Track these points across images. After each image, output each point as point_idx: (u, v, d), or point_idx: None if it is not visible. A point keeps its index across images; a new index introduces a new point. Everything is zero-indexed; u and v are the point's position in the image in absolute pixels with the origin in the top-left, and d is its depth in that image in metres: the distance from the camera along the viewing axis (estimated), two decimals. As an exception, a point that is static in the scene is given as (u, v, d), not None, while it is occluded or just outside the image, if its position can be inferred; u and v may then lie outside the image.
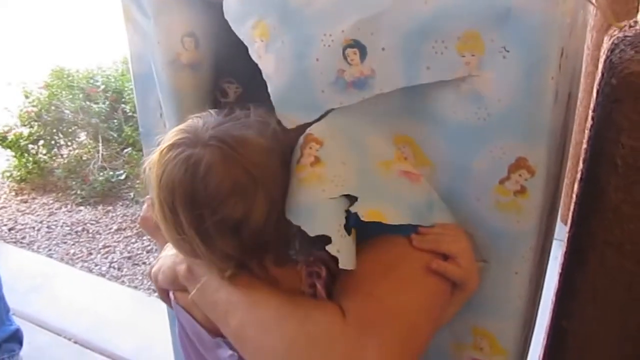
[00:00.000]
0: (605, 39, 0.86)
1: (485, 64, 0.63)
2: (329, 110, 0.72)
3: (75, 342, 1.97)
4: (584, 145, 0.88)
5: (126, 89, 3.17)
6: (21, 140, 3.15)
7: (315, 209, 0.68)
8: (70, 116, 3.14)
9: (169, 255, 0.80)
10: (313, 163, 0.69)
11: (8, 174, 3.21)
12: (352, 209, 0.69)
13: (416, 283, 0.69)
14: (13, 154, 3.19)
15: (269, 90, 0.75)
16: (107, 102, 3.16)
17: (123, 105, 3.17)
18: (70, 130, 3.23)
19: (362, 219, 0.69)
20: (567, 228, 0.95)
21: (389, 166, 0.73)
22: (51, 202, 3.01)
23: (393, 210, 0.70)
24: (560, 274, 0.96)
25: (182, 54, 0.84)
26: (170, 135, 0.69)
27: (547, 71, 0.62)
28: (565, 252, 0.94)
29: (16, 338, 1.82)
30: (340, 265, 0.67)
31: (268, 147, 0.69)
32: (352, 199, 0.70)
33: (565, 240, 0.95)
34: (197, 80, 0.86)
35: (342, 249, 0.67)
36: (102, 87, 3.23)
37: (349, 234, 0.69)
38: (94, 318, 2.05)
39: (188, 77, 0.85)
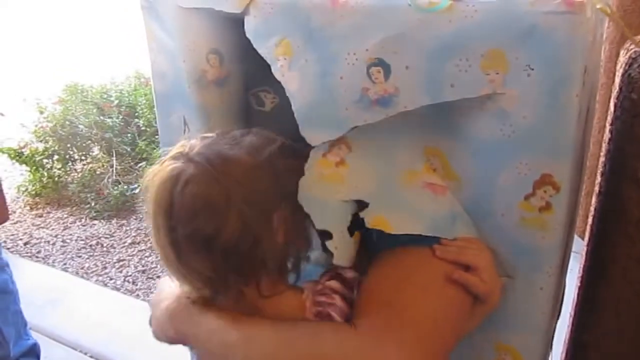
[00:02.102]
0: (622, 52, 0.87)
1: (510, 82, 0.63)
2: (352, 127, 0.73)
3: (91, 357, 1.98)
4: (602, 159, 0.88)
5: (139, 103, 3.21)
6: (36, 156, 3.18)
7: (327, 205, 0.73)
8: (84, 131, 3.17)
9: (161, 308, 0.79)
10: (338, 163, 0.74)
11: (23, 188, 3.23)
12: (361, 214, 0.72)
13: (436, 292, 0.69)
14: (28, 169, 3.22)
15: (293, 108, 0.76)
16: (121, 117, 3.20)
17: (136, 120, 3.21)
18: (84, 144, 3.27)
19: (366, 225, 0.72)
20: (586, 242, 0.95)
21: (414, 177, 0.74)
22: (66, 216, 3.04)
23: (407, 220, 0.72)
24: (580, 288, 0.95)
25: (208, 71, 0.85)
26: (172, 150, 0.72)
27: (571, 89, 0.62)
28: (585, 266, 0.93)
29: (33, 352, 1.82)
30: (334, 260, 0.72)
31: (255, 167, 0.69)
32: (364, 204, 0.73)
33: (584, 253, 0.95)
34: (223, 96, 0.87)
35: (340, 247, 0.73)
36: (116, 102, 3.27)
37: (352, 235, 0.73)
38: (109, 332, 2.06)
39: (214, 93, 0.87)
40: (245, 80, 0.90)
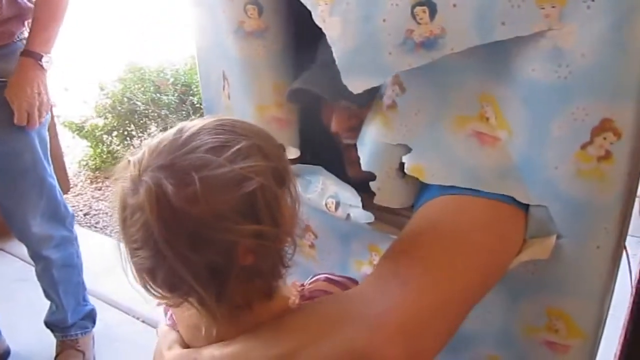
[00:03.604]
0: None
1: (567, 16, 0.58)
2: (397, 73, 0.70)
3: (143, 321, 2.05)
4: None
5: (194, 81, 3.26)
6: (96, 131, 3.31)
7: (373, 147, 0.75)
8: (141, 108, 3.26)
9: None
10: (389, 106, 0.73)
11: (84, 163, 3.39)
12: (403, 159, 0.72)
13: (460, 237, 0.65)
14: (89, 144, 3.37)
15: (334, 55, 0.73)
16: (176, 95, 3.26)
17: (191, 98, 3.26)
18: (141, 121, 3.36)
19: (405, 171, 0.72)
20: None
21: (465, 123, 0.70)
22: (122, 190, 3.14)
23: (444, 169, 0.70)
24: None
25: (246, 22, 0.84)
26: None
27: (637, 22, 0.56)
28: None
29: (90, 317, 1.91)
30: (375, 200, 0.75)
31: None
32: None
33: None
34: (261, 48, 0.85)
35: (383, 188, 0.75)
36: (172, 80, 3.33)
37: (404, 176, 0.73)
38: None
39: (252, 45, 0.85)
40: (286, 33, 0.88)
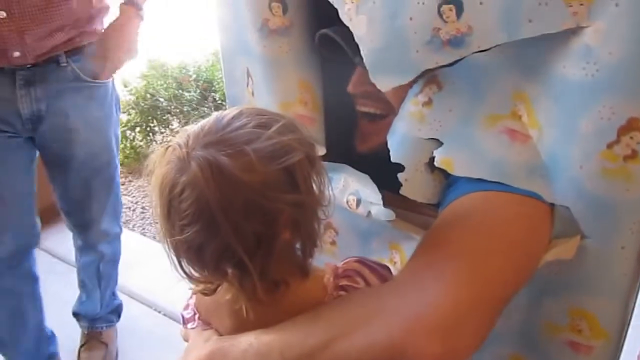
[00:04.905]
0: None
1: (596, 14, 0.58)
2: (424, 71, 0.70)
3: (164, 315, 2.07)
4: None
5: (216, 78, 3.28)
6: (120, 127, 3.35)
7: (405, 141, 0.76)
8: (164, 104, 3.29)
9: None
10: (425, 103, 0.73)
11: (108, 158, 3.42)
12: (434, 152, 0.72)
13: (491, 231, 0.65)
14: (113, 139, 3.41)
15: (362, 53, 0.74)
16: (198, 91, 3.29)
17: (213, 94, 3.29)
18: (164, 117, 3.39)
19: (435, 163, 0.72)
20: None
21: (497, 121, 0.71)
22: (146, 185, 3.17)
23: (472, 162, 0.70)
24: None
25: (270, 19, 0.84)
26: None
27: (666, 21, 0.56)
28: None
29: (117, 311, 1.94)
30: (401, 191, 0.76)
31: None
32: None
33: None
34: (285, 45, 0.86)
35: (411, 179, 0.76)
36: (194, 76, 3.36)
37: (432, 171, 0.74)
38: (181, 293, 2.13)
39: (276, 42, 0.86)
40: (311, 31, 0.89)
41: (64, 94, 1.41)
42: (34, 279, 1.64)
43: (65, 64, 1.39)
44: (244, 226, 0.56)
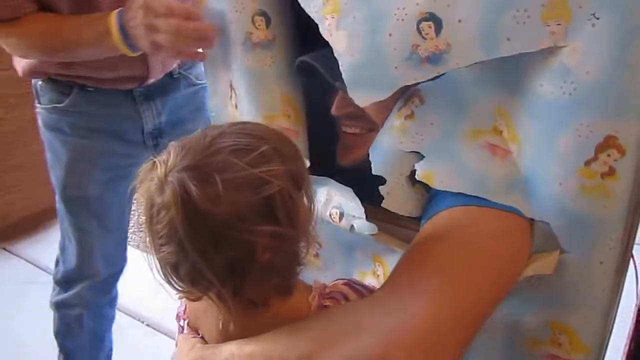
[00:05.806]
0: None
1: (573, 33, 0.58)
2: (402, 87, 0.71)
3: (147, 325, 2.05)
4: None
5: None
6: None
7: (387, 153, 0.76)
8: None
9: None
10: (407, 116, 0.74)
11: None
12: (415, 165, 0.73)
13: (472, 245, 0.65)
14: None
15: (341, 68, 0.74)
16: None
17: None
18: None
19: (416, 177, 0.73)
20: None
21: (478, 135, 0.71)
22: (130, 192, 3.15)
23: (453, 177, 0.71)
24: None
25: (254, 33, 0.84)
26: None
27: (642, 40, 0.57)
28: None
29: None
30: (382, 203, 0.76)
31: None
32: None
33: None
34: (268, 58, 0.86)
35: (393, 193, 0.76)
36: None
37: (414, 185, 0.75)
38: (166, 303, 2.11)
39: (260, 56, 0.86)
40: (293, 45, 0.89)
41: (179, 102, 1.38)
42: (115, 303, 1.65)
43: (177, 76, 1.36)
44: (213, 255, 0.56)
